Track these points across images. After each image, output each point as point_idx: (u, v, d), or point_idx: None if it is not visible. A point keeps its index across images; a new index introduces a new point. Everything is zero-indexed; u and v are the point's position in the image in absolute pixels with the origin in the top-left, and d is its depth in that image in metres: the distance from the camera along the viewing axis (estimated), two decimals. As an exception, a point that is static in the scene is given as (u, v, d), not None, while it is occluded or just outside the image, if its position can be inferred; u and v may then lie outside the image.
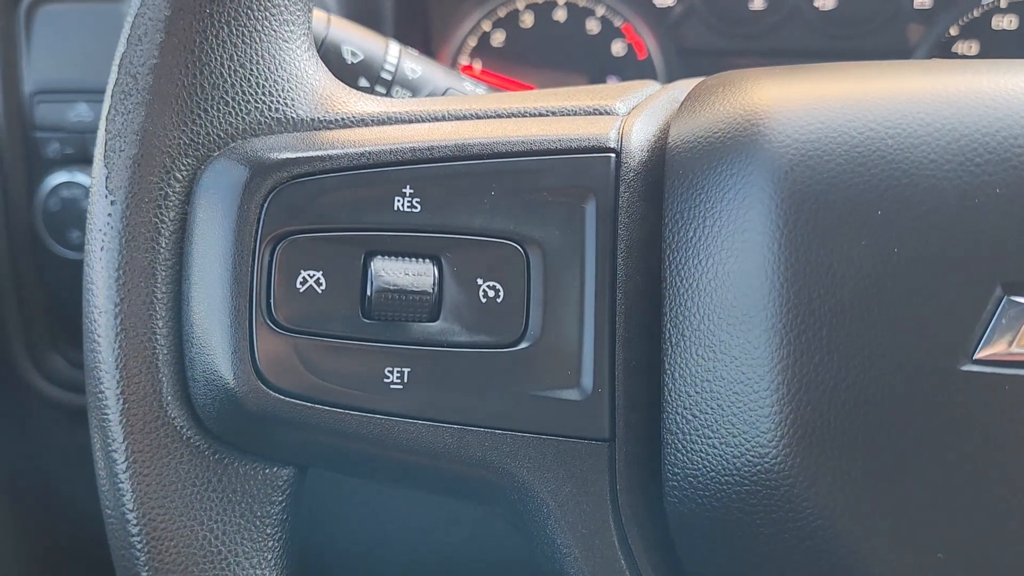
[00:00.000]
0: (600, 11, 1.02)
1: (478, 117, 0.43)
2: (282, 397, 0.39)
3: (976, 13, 1.00)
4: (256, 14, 0.41)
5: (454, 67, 1.04)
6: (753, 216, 0.38)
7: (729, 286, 0.39)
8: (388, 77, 0.58)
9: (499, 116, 0.43)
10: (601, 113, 0.44)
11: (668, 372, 0.40)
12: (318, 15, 0.58)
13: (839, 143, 0.38)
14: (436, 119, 0.43)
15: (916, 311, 0.37)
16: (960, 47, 1.01)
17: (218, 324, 0.38)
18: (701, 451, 0.39)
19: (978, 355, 0.36)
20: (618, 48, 1.03)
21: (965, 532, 0.37)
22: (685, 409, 0.39)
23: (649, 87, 0.48)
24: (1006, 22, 1.00)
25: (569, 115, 0.44)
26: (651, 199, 0.42)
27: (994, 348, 0.36)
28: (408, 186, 0.40)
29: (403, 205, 0.40)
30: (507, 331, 0.40)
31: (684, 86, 0.47)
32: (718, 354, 0.39)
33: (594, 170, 0.41)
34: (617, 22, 1.02)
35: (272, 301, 0.39)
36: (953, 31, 1.00)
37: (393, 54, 0.59)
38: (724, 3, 1.00)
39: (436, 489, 0.43)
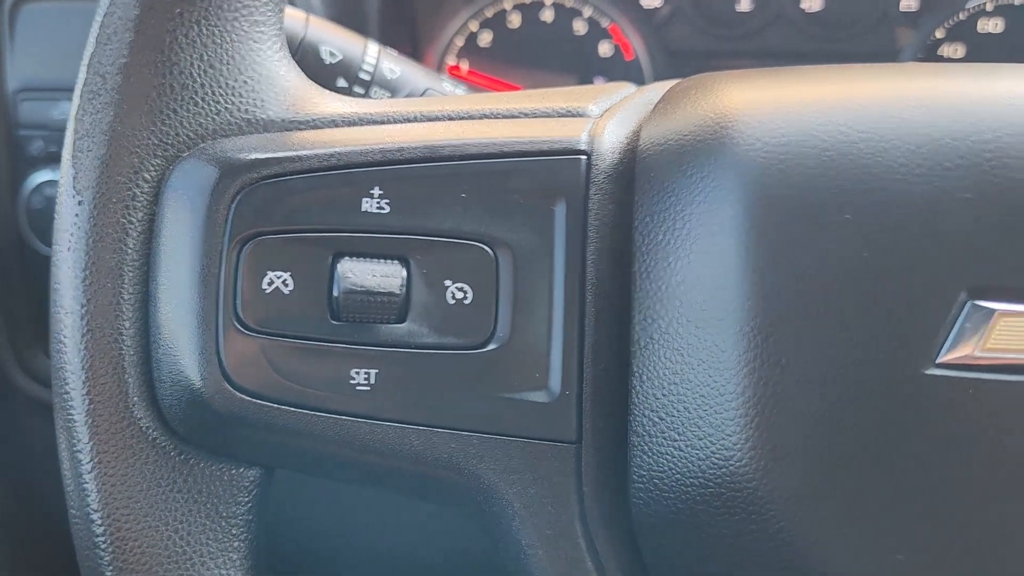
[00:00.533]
0: (587, 12, 1.02)
1: (450, 119, 0.43)
2: (248, 398, 0.38)
3: (962, 16, 1.00)
4: (226, 15, 0.41)
5: (441, 67, 1.04)
6: (722, 219, 0.38)
7: (697, 289, 0.39)
8: (367, 78, 0.58)
9: (471, 118, 0.43)
10: (574, 115, 0.44)
11: (636, 375, 0.40)
12: (296, 15, 0.58)
13: (809, 146, 0.38)
14: (408, 120, 0.43)
15: (882, 314, 0.37)
16: (946, 50, 1.01)
17: (185, 325, 0.38)
18: (667, 453, 0.39)
19: (942, 359, 0.36)
20: (605, 49, 1.03)
21: (926, 535, 0.37)
22: (652, 411, 0.39)
23: (624, 89, 0.48)
24: (991, 25, 1.00)
25: (542, 117, 0.44)
26: (622, 201, 0.42)
27: (959, 352, 0.36)
28: (377, 187, 0.40)
29: (371, 206, 0.40)
30: (475, 333, 0.40)
31: (659, 88, 0.47)
32: (685, 357, 0.39)
33: (565, 172, 0.41)
34: (604, 23, 1.02)
35: (239, 302, 0.39)
36: (939, 34, 1.00)
37: (372, 54, 0.59)
38: (711, 5, 1.00)
39: (403, 490, 0.43)
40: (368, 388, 0.39)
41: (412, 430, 0.40)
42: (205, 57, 0.40)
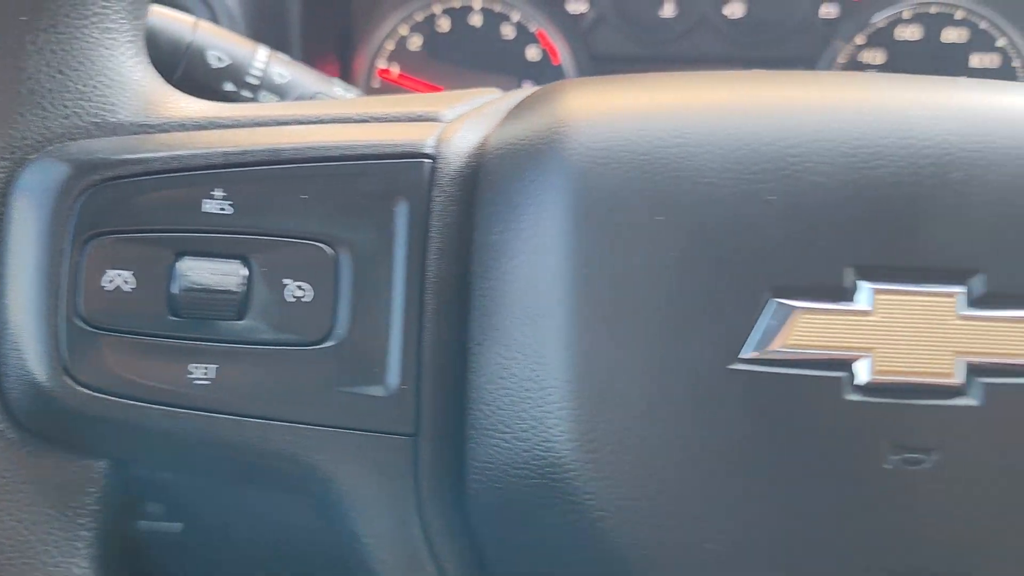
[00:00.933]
0: (516, 17, 1.04)
1: (300, 123, 0.45)
2: (89, 392, 0.40)
3: (881, 23, 1.02)
4: (75, 22, 0.42)
5: (372, 71, 1.05)
6: (548, 221, 0.40)
7: (526, 288, 0.40)
8: (255, 82, 0.60)
9: (322, 122, 0.45)
10: (426, 120, 0.46)
11: (472, 370, 0.41)
12: (185, 20, 0.59)
13: (628, 151, 0.40)
14: (257, 124, 0.44)
15: (691, 312, 0.38)
16: (866, 56, 1.03)
17: (28, 321, 0.40)
18: (498, 446, 0.41)
19: (747, 355, 0.38)
20: (533, 53, 1.05)
21: (733, 525, 0.38)
22: (486, 405, 0.41)
23: (488, 95, 0.50)
24: (909, 32, 1.03)
25: (394, 121, 0.46)
26: (465, 204, 0.43)
27: (762, 348, 0.38)
28: (219, 189, 0.41)
29: (213, 207, 0.41)
30: (313, 330, 0.42)
31: (522, 94, 0.48)
32: (514, 352, 0.40)
33: (407, 175, 0.43)
34: (532, 28, 1.04)
35: (81, 299, 0.40)
36: (860, 40, 1.03)
37: (261, 59, 0.60)
38: (635, 10, 1.02)
39: (244, 482, 0.44)
40: (207, 383, 0.41)
41: (250, 423, 0.41)
42: (54, 63, 0.41)
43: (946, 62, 1.03)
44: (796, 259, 0.38)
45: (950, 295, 0.38)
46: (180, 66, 0.58)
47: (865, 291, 0.38)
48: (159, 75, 0.46)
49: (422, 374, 0.42)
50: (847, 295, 0.38)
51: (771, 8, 1.02)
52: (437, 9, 1.04)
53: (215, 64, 0.59)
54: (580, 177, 0.40)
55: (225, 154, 0.42)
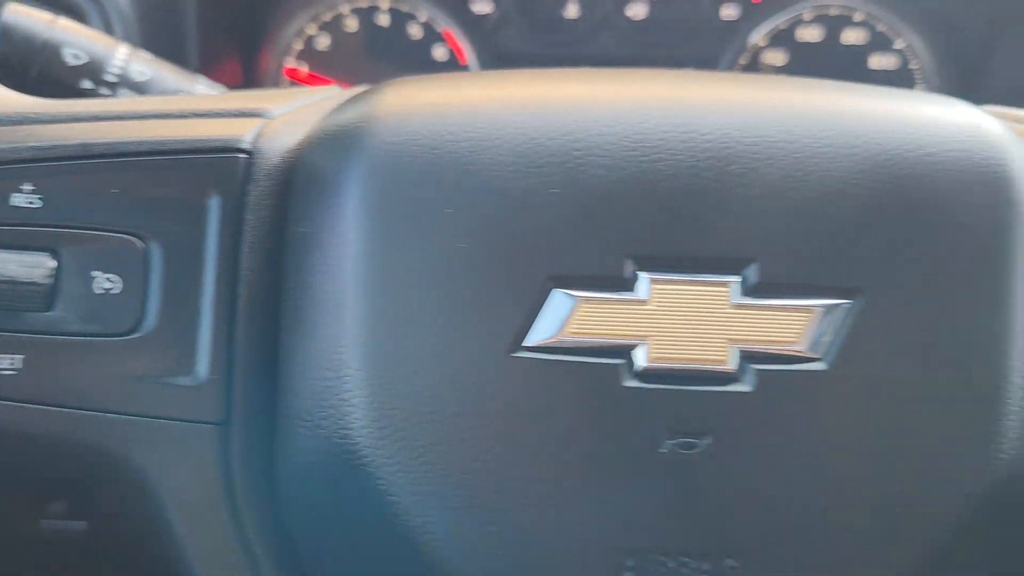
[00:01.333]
0: (423, 17, 1.05)
1: (119, 118, 0.45)
2: None
3: (782, 25, 1.04)
4: None
5: (279, 70, 1.06)
6: (348, 215, 0.41)
7: (329, 278, 0.41)
8: (114, 80, 0.60)
9: (142, 117, 0.45)
10: (251, 116, 0.47)
11: (282, 360, 0.42)
12: (41, 17, 0.60)
13: (422, 147, 0.41)
14: (76, 119, 0.45)
15: (476, 302, 0.39)
16: (768, 57, 1.05)
17: None
18: (303, 435, 0.42)
19: (528, 343, 0.39)
20: (440, 53, 1.05)
21: (518, 508, 0.40)
22: (293, 395, 0.42)
23: (327, 92, 0.51)
24: (810, 34, 1.04)
25: (218, 117, 0.46)
26: (281, 198, 0.44)
27: (542, 336, 0.39)
28: (28, 183, 0.42)
29: (22, 200, 0.42)
30: (122, 321, 0.42)
31: (352, 92, 0.49)
32: (318, 343, 0.41)
33: (221, 170, 0.43)
34: (439, 28, 1.04)
35: None
36: (761, 42, 1.04)
37: (121, 57, 0.61)
38: (539, 11, 1.03)
39: (55, 473, 0.45)
40: (13, 372, 0.41)
41: (59, 413, 0.42)
42: None
43: (846, 63, 1.05)
44: (578, 250, 0.39)
45: (724, 284, 0.39)
46: (35, 64, 0.59)
47: (643, 281, 0.39)
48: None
49: (233, 364, 0.43)
50: (627, 285, 0.39)
51: (673, 9, 1.03)
52: (345, 9, 1.05)
53: (71, 62, 0.59)
54: (377, 172, 0.41)
55: (34, 148, 0.42)
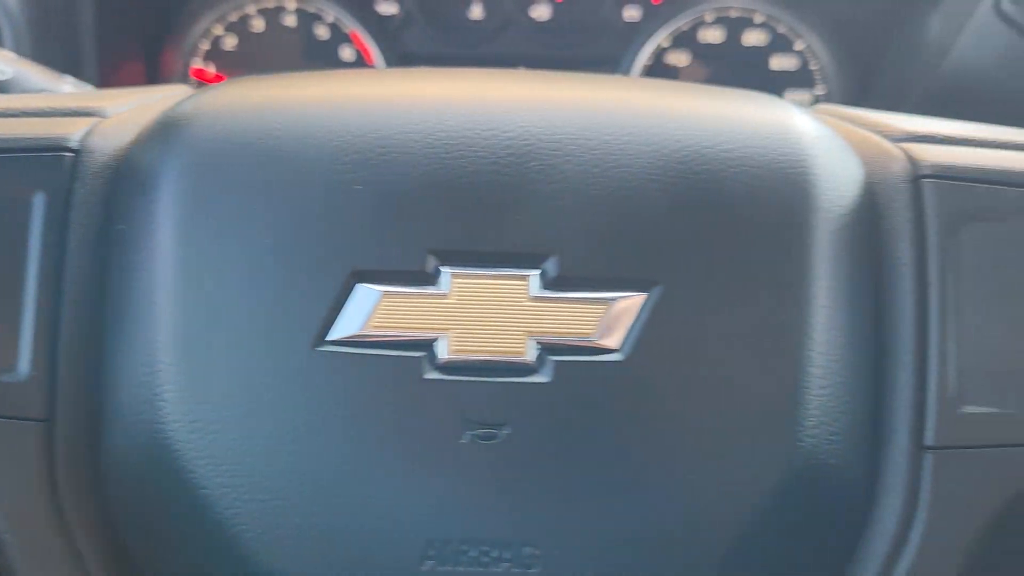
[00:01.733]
0: (329, 17, 1.05)
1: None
2: None
3: (684, 27, 1.05)
4: None
5: (186, 70, 1.06)
6: (161, 211, 0.41)
7: (147, 275, 0.42)
8: (-27, 78, 0.60)
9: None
10: (86, 115, 0.47)
11: (105, 356, 0.43)
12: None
13: (235, 145, 0.41)
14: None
15: (281, 297, 0.40)
16: (671, 58, 1.06)
17: None
18: (124, 431, 0.42)
19: (332, 337, 0.40)
20: (347, 54, 1.06)
21: (326, 501, 0.40)
22: (114, 391, 0.42)
23: (170, 91, 0.51)
24: (712, 36, 1.06)
25: (50, 116, 0.47)
26: (108, 196, 0.44)
27: (346, 330, 0.40)
28: None
29: None
30: None
31: (196, 90, 0.50)
32: (136, 339, 0.42)
33: (47, 168, 0.44)
34: (345, 28, 1.05)
35: None
36: (665, 43, 1.06)
37: (-20, 56, 0.61)
38: (443, 12, 1.04)
39: None
40: None
41: None
42: None
43: (748, 65, 1.06)
44: (382, 245, 0.40)
45: (523, 278, 0.40)
46: None
47: (445, 275, 0.40)
48: None
49: (57, 361, 0.43)
50: (430, 279, 0.40)
51: (576, 11, 1.04)
52: (251, 9, 1.05)
53: (-73, 61, 0.59)
54: (189, 169, 0.41)
55: None
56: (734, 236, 0.41)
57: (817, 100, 1.06)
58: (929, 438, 0.43)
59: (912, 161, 0.45)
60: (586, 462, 0.40)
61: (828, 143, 0.44)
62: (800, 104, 0.50)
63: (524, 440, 0.40)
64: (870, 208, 0.44)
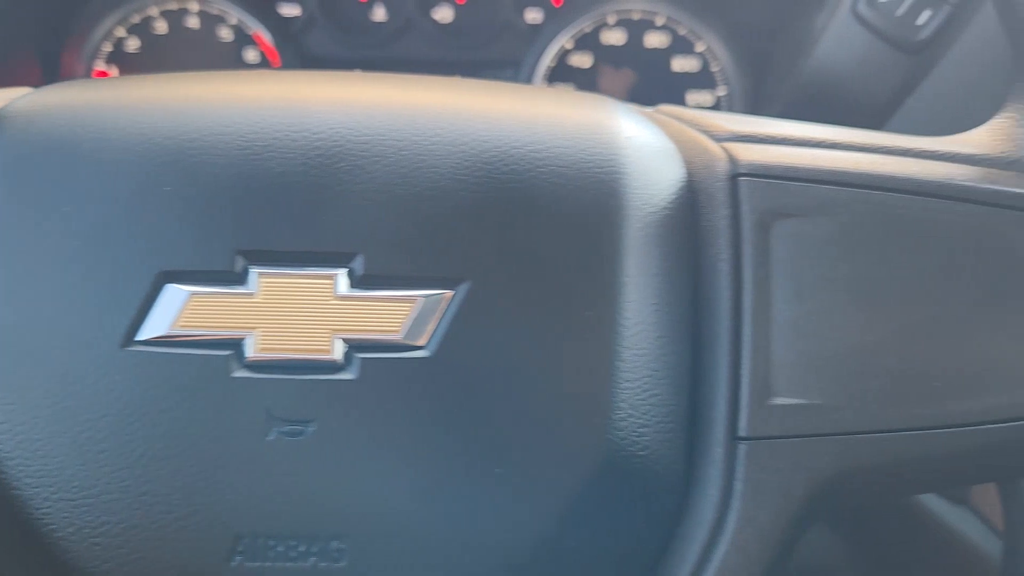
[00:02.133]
0: (232, 19, 1.05)
1: None
2: None
3: (587, 28, 1.07)
4: None
5: (88, 72, 1.05)
6: None
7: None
8: None
9: None
10: None
11: None
12: None
13: (47, 147, 0.42)
14: None
15: (91, 297, 0.41)
16: (575, 60, 1.07)
17: None
18: None
19: (140, 336, 0.40)
20: (252, 56, 1.06)
21: (135, 499, 0.41)
22: None
23: (16, 91, 0.51)
24: (614, 38, 1.07)
25: None
26: None
27: (154, 330, 0.40)
28: None
29: None
30: None
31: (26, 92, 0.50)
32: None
33: None
34: (248, 30, 1.05)
35: None
36: (568, 45, 1.07)
37: None
38: (345, 13, 1.05)
39: None
40: None
41: None
42: None
43: (651, 66, 1.08)
44: (190, 246, 0.41)
45: (329, 277, 0.41)
46: None
47: (253, 275, 0.41)
48: None
49: None
50: (238, 279, 0.41)
51: (478, 13, 1.05)
52: (154, 11, 1.05)
53: None
54: (6, 170, 0.42)
55: None
56: (542, 234, 0.42)
57: (719, 101, 1.08)
58: (742, 429, 0.44)
59: (732, 160, 0.46)
60: (393, 457, 0.41)
61: (647, 143, 0.45)
62: (640, 107, 0.51)
63: (330, 436, 0.40)
64: (689, 206, 0.45)
